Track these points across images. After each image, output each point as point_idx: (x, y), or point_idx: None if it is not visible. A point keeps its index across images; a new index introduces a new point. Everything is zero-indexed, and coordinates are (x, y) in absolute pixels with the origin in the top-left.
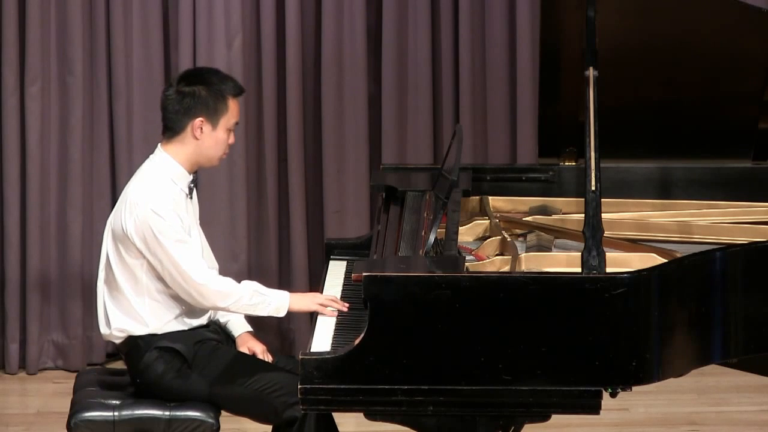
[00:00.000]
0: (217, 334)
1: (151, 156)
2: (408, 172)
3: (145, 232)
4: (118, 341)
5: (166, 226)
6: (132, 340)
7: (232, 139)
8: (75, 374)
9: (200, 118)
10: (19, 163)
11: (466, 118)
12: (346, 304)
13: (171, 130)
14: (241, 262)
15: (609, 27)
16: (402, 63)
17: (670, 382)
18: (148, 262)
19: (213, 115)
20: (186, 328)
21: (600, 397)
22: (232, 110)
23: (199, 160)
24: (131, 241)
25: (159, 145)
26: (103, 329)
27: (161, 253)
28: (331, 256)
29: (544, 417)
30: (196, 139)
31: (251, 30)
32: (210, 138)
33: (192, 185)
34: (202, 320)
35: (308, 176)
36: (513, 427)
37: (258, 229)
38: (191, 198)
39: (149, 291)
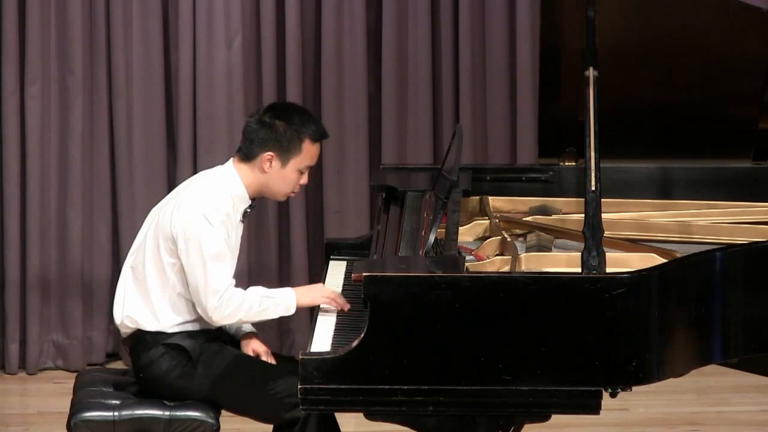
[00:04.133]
0: (222, 334)
1: (219, 166)
2: (408, 172)
3: (190, 235)
4: (126, 332)
5: (211, 236)
6: (139, 335)
7: (304, 180)
8: (75, 374)
9: (270, 153)
10: (19, 163)
11: (466, 118)
12: (348, 305)
13: (244, 154)
14: (241, 262)
15: (609, 27)
16: (402, 63)
17: (670, 382)
18: (182, 264)
19: (284, 153)
20: (195, 329)
21: (600, 397)
22: (307, 153)
23: (263, 191)
24: (174, 241)
25: (232, 159)
26: (117, 313)
27: (196, 260)
28: (331, 256)
29: (544, 417)
30: (265, 171)
31: (251, 30)
32: (278, 174)
33: (248, 210)
34: (212, 328)
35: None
36: (513, 427)
37: (258, 229)
38: (243, 222)
39: (172, 291)
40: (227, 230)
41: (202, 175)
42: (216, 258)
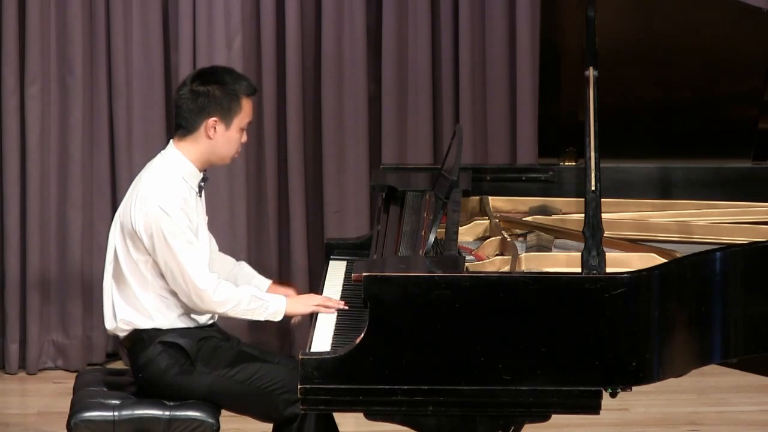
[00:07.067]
0: (220, 333)
1: (162, 151)
2: (408, 172)
3: (154, 230)
4: (122, 334)
5: (174, 226)
6: (136, 334)
7: (244, 138)
8: (75, 374)
9: (214, 118)
10: (19, 163)
11: (466, 118)
12: (342, 303)
13: (184, 128)
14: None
15: (609, 27)
16: (402, 63)
17: (670, 382)
18: (153, 260)
19: (227, 115)
20: (191, 325)
21: (600, 397)
22: (246, 110)
23: (211, 159)
24: (139, 237)
25: (171, 141)
26: (109, 324)
27: (168, 253)
28: (331, 256)
29: (544, 417)
30: (210, 138)
31: (251, 30)
32: (223, 137)
33: (202, 183)
34: (207, 319)
35: (308, 176)
36: (513, 427)
37: (258, 229)
38: (201, 196)
39: (154, 288)
40: (187, 215)
41: (149, 167)
42: (185, 244)
